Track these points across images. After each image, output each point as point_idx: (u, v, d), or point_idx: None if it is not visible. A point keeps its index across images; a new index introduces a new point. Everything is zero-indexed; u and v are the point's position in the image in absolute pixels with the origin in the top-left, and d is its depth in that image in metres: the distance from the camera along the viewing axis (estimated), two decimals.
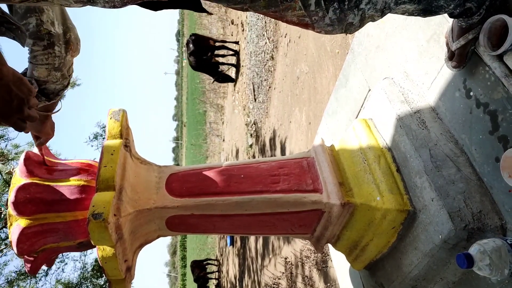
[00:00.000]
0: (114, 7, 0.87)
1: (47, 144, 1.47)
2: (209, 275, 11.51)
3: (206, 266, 11.50)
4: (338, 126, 2.22)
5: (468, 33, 1.13)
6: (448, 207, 1.20)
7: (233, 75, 8.54)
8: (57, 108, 1.31)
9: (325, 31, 1.00)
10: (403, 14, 1.09)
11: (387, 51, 1.68)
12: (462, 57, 1.20)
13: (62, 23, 1.10)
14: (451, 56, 1.24)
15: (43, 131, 1.32)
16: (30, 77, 1.14)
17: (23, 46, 0.95)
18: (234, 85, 8.57)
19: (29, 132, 1.32)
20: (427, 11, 1.06)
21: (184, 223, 1.52)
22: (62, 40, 1.10)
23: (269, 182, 1.52)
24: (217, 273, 11.67)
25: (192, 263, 11.35)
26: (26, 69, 1.15)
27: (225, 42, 8.14)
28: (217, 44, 7.82)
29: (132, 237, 1.41)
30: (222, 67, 8.38)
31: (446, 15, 1.12)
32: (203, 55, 7.43)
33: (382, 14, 1.01)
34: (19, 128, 0.91)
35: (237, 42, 8.10)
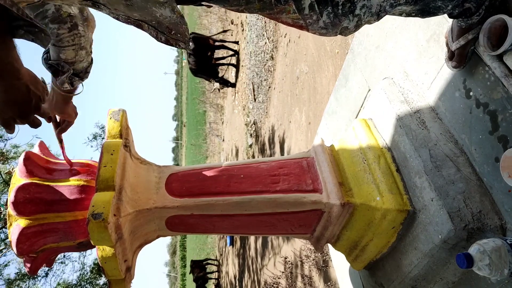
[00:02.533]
0: (118, 19, 0.90)
1: (47, 144, 1.47)
2: (208, 275, 11.50)
3: (206, 266, 11.50)
4: (338, 126, 2.22)
5: (468, 33, 1.14)
6: (447, 207, 1.20)
7: (233, 75, 8.53)
8: (78, 90, 1.30)
9: (320, 33, 1.01)
10: (400, 15, 1.09)
11: (387, 51, 1.68)
12: (462, 57, 1.20)
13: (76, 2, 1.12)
14: (451, 56, 1.24)
15: (66, 111, 1.31)
16: (57, 60, 1.14)
17: (45, 47, 0.96)
18: (234, 86, 8.57)
19: (49, 122, 1.31)
20: (425, 12, 1.06)
21: (184, 223, 1.52)
22: (81, 18, 1.11)
23: (269, 182, 1.52)
24: (216, 273, 11.67)
25: (191, 263, 11.35)
26: (46, 53, 1.14)
27: (225, 41, 8.14)
28: (217, 43, 7.81)
29: (132, 237, 1.41)
30: (221, 68, 8.37)
31: (445, 15, 1.12)
32: (203, 55, 7.42)
33: (378, 17, 1.00)
34: (36, 125, 0.97)
35: (236, 42, 8.10)
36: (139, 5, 0.83)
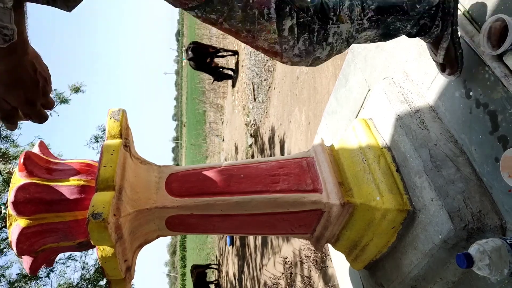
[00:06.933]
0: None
1: (47, 143, 1.46)
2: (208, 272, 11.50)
3: (206, 271, 11.51)
4: (338, 126, 2.22)
5: (441, 43, 1.17)
6: (447, 207, 1.20)
7: (233, 62, 8.59)
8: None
9: (292, 62, 1.03)
10: (365, 42, 1.14)
11: (387, 51, 1.68)
12: (453, 63, 1.23)
13: None
14: (442, 68, 1.27)
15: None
16: None
17: (68, 10, 0.78)
18: (233, 85, 8.58)
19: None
20: (387, 35, 1.12)
21: (184, 223, 1.52)
22: None
23: (269, 182, 1.52)
24: (216, 272, 11.67)
25: (192, 267, 11.35)
26: None
27: (225, 51, 8.18)
28: (216, 50, 7.92)
29: (132, 237, 1.41)
30: (220, 62, 8.45)
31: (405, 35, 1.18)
32: (203, 61, 7.58)
33: (348, 44, 1.06)
34: (43, 118, 0.77)
35: (236, 52, 8.12)
36: None
